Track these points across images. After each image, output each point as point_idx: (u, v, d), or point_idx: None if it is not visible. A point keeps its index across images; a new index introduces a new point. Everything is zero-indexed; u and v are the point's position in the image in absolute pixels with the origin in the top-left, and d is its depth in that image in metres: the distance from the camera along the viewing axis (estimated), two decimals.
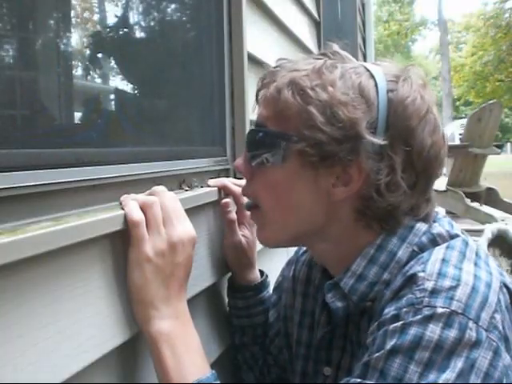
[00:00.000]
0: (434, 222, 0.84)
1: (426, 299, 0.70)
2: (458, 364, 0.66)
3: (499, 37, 22.88)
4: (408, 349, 0.67)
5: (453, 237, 0.81)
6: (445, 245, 0.79)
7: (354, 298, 0.82)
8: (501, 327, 0.70)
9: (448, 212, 5.37)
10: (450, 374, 0.65)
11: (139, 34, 1.13)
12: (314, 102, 0.77)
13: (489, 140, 5.64)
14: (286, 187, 0.82)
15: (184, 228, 0.77)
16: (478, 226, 4.41)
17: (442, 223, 0.84)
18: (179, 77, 1.18)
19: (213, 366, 0.98)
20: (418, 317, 0.68)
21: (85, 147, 0.80)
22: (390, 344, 0.69)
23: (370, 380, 0.69)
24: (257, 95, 0.88)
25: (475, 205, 5.34)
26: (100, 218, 0.67)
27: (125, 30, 1.03)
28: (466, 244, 0.79)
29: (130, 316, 0.74)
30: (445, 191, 5.31)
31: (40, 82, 0.78)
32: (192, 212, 0.90)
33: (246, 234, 1.08)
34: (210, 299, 1.08)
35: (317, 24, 2.68)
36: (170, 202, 0.78)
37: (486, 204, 5.46)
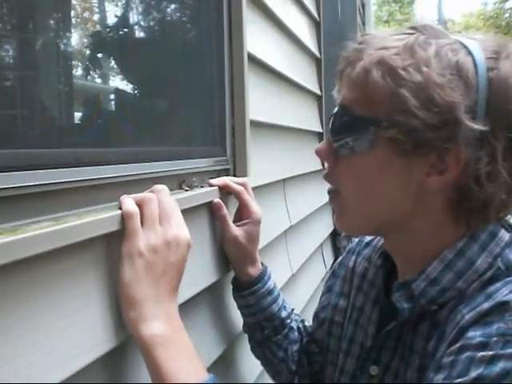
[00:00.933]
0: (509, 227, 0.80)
1: None
2: None
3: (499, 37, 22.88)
4: (493, 380, 0.64)
5: None
6: None
7: (422, 301, 0.78)
8: None
9: None
10: None
11: (139, 34, 1.13)
12: (406, 83, 0.71)
13: None
14: (373, 176, 0.78)
15: (180, 230, 0.76)
16: None
17: None
18: (179, 77, 1.19)
19: (213, 365, 0.99)
20: (509, 350, 0.65)
21: (85, 147, 0.80)
22: (475, 372, 0.65)
23: None
24: (340, 74, 0.80)
25: None
26: (100, 218, 0.67)
27: (125, 29, 1.03)
28: None
29: None
30: None
31: (40, 81, 0.78)
32: (192, 211, 0.90)
33: (247, 229, 1.06)
34: (211, 298, 1.08)
35: (317, 24, 2.68)
36: (168, 201, 0.77)
37: None
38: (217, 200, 1.04)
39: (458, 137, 0.71)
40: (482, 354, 0.66)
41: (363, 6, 6.15)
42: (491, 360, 0.65)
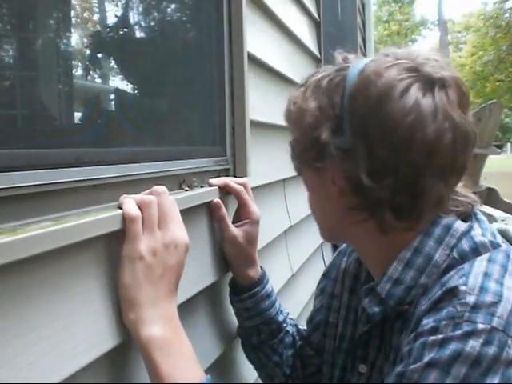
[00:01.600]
0: (474, 222, 0.83)
1: (467, 314, 0.69)
2: (495, 381, 0.66)
3: (499, 37, 22.88)
4: (446, 363, 0.67)
5: (495, 247, 0.79)
6: (486, 256, 0.77)
7: (390, 302, 0.82)
8: None
9: None
10: None
11: (139, 34, 1.13)
12: (291, 117, 0.87)
13: (489, 140, 5.64)
14: (309, 191, 0.93)
15: (179, 232, 0.77)
16: None
17: (485, 229, 0.82)
18: (179, 77, 1.19)
19: (213, 366, 0.99)
20: (458, 332, 0.68)
21: (85, 147, 0.80)
22: (428, 357, 0.68)
23: None
24: None
25: None
26: (100, 218, 0.67)
27: (125, 30, 1.03)
28: (508, 257, 0.78)
29: None
30: None
31: (40, 81, 0.78)
32: (192, 212, 0.90)
33: (246, 229, 1.06)
34: (211, 299, 1.08)
35: (317, 24, 2.68)
36: (168, 204, 0.77)
37: (485, 204, 5.46)
38: (216, 200, 1.04)
39: (327, 153, 0.80)
40: (433, 338, 0.69)
41: (363, 5, 6.15)
42: (442, 343, 0.68)
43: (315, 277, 2.41)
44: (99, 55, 0.95)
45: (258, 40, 1.55)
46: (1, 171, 0.59)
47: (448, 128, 0.75)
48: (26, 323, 0.55)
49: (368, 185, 0.77)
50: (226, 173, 1.28)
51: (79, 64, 0.91)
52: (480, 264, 0.76)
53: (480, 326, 0.68)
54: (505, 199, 5.62)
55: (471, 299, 0.70)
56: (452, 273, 0.76)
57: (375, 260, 0.87)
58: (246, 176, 1.29)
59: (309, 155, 0.84)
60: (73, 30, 0.85)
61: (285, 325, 1.12)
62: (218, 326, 1.10)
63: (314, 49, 2.53)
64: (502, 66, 23.13)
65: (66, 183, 0.70)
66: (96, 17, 0.97)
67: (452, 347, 0.67)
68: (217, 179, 1.08)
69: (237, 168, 1.32)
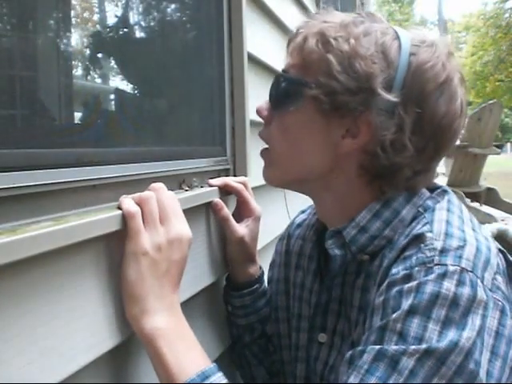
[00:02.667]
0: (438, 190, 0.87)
1: (437, 258, 0.72)
2: (476, 321, 0.67)
3: (499, 37, 22.87)
4: (425, 307, 0.68)
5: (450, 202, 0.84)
6: (445, 206, 0.82)
7: (353, 248, 0.84)
8: (503, 288, 0.73)
9: None
10: (470, 332, 0.67)
11: (139, 34, 1.13)
12: (334, 51, 0.80)
13: (489, 140, 5.65)
14: (297, 132, 0.86)
15: (182, 226, 0.77)
16: None
17: (446, 190, 0.88)
18: (179, 77, 1.19)
19: None
20: (432, 275, 0.70)
21: (85, 147, 0.80)
22: (406, 304, 0.69)
23: (388, 344, 0.69)
24: (288, 44, 0.90)
25: (475, 205, 5.35)
26: (100, 218, 0.67)
27: (124, 29, 1.03)
28: (461, 211, 0.83)
29: (126, 317, 0.73)
30: None
31: (40, 81, 0.78)
32: (192, 212, 0.90)
33: (250, 227, 1.06)
34: (210, 299, 1.08)
35: None
36: (167, 198, 0.78)
37: (485, 204, 5.47)
38: (217, 200, 1.04)
39: (371, 104, 0.79)
40: (408, 285, 0.70)
41: (363, 5, 6.14)
42: (418, 288, 0.70)
43: None
44: (99, 55, 0.95)
45: (258, 40, 1.55)
46: (1, 171, 0.59)
47: (463, 124, 0.85)
48: (25, 323, 0.55)
49: (406, 149, 0.79)
50: (226, 173, 1.28)
51: (79, 64, 0.91)
52: (441, 213, 0.80)
53: (451, 268, 0.70)
54: (505, 199, 5.62)
55: (438, 244, 0.73)
56: (414, 223, 0.80)
57: (342, 214, 0.87)
58: (246, 176, 1.29)
59: (343, 98, 0.79)
60: (73, 30, 0.85)
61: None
62: (217, 326, 1.10)
63: None
64: (502, 65, 23.13)
65: (66, 183, 0.70)
66: (96, 17, 0.97)
67: (428, 291, 0.69)
68: (216, 179, 1.08)
69: (237, 168, 1.32)
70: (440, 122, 0.80)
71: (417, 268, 0.72)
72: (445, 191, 0.87)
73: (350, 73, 0.78)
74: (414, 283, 0.70)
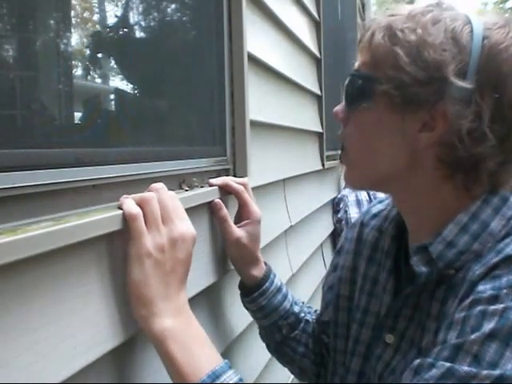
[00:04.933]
0: None
1: None
2: None
3: None
4: (507, 334, 0.66)
5: None
6: None
7: (440, 264, 0.79)
8: None
9: None
10: None
11: (139, 34, 1.13)
12: (400, 42, 0.77)
13: None
14: (372, 130, 0.84)
15: (184, 225, 0.77)
16: None
17: None
18: (179, 77, 1.18)
19: None
20: None
21: (85, 147, 0.80)
22: (488, 327, 0.67)
23: (461, 363, 0.67)
24: (358, 44, 0.88)
25: None
26: (100, 218, 0.67)
27: (124, 29, 1.03)
28: None
29: (128, 317, 0.73)
30: None
31: (40, 81, 0.78)
32: (192, 212, 0.90)
33: (248, 229, 1.06)
34: (211, 299, 1.08)
35: (317, 24, 2.68)
36: (168, 198, 0.77)
37: None
38: (217, 200, 1.04)
39: (444, 93, 0.75)
40: (493, 307, 0.67)
41: (363, 5, 6.14)
42: (503, 312, 0.66)
43: (315, 277, 2.42)
44: (99, 55, 0.95)
45: (258, 40, 1.55)
46: (1, 171, 0.59)
47: None
48: (26, 323, 0.55)
49: (487, 138, 0.75)
50: (226, 173, 1.28)
51: (79, 64, 0.91)
52: None
53: None
54: None
55: None
56: (508, 240, 0.75)
57: (427, 219, 0.84)
58: (246, 176, 1.29)
59: (416, 90, 0.76)
60: (73, 30, 0.85)
61: (303, 314, 1.11)
62: (218, 326, 1.10)
63: (314, 49, 2.53)
64: None
65: (66, 183, 0.70)
66: (96, 17, 0.97)
67: None
68: (216, 179, 1.08)
69: (237, 168, 1.32)
70: None
71: (505, 290, 0.68)
72: None
73: (419, 63, 0.75)
74: (499, 306, 0.67)
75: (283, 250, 1.83)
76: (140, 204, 0.75)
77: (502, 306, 0.67)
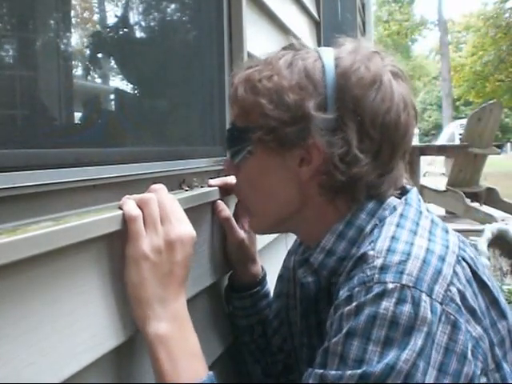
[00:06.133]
0: (405, 195, 0.86)
1: (376, 276, 0.70)
2: (418, 341, 0.66)
3: (499, 37, 22.87)
4: (364, 329, 0.67)
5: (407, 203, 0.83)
6: (395, 221, 0.79)
7: (323, 272, 0.83)
8: (458, 300, 0.70)
9: (448, 212, 5.37)
10: (410, 353, 0.65)
11: (139, 34, 1.13)
12: (261, 92, 0.82)
13: (489, 140, 5.64)
14: (259, 177, 0.88)
15: (183, 226, 0.77)
16: (478, 226, 4.41)
17: (410, 196, 0.85)
18: (179, 77, 1.19)
19: (213, 365, 0.99)
20: (370, 295, 0.69)
21: (85, 147, 0.80)
22: (346, 327, 0.69)
23: (330, 366, 0.69)
24: (229, 100, 0.94)
25: (475, 205, 5.35)
26: (100, 218, 0.67)
27: (124, 29, 1.03)
28: (417, 224, 0.79)
29: (128, 317, 0.74)
30: (445, 191, 5.32)
31: (40, 81, 0.78)
32: (192, 212, 0.90)
33: (247, 230, 1.07)
34: (210, 299, 1.08)
35: (317, 24, 2.68)
36: (167, 200, 0.78)
37: (485, 204, 5.46)
38: (219, 201, 1.04)
39: (310, 129, 0.80)
40: (348, 307, 0.70)
41: (363, 5, 6.14)
42: (356, 310, 0.69)
43: None
44: (99, 55, 0.95)
45: (258, 40, 1.55)
46: (1, 171, 0.59)
47: (413, 115, 0.84)
48: (26, 323, 0.55)
49: (358, 160, 0.79)
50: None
51: (79, 64, 0.91)
52: (388, 229, 0.78)
53: (390, 286, 0.68)
54: (505, 199, 5.61)
55: (379, 261, 0.71)
56: (366, 241, 0.79)
57: (317, 237, 0.86)
58: None
59: (285, 132, 0.81)
60: (73, 30, 0.85)
61: (276, 325, 1.12)
62: (218, 326, 1.10)
63: None
64: (502, 66, 23.10)
65: (66, 183, 0.70)
66: (96, 17, 0.97)
67: (366, 312, 0.68)
68: (216, 179, 1.08)
69: None
70: (383, 121, 0.79)
71: (357, 288, 0.70)
72: (406, 199, 0.84)
73: (281, 107, 0.80)
74: (353, 305, 0.69)
75: (283, 250, 1.83)
76: (140, 205, 0.75)
77: (354, 304, 0.69)
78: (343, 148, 0.79)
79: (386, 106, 0.80)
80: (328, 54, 0.84)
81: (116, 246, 0.72)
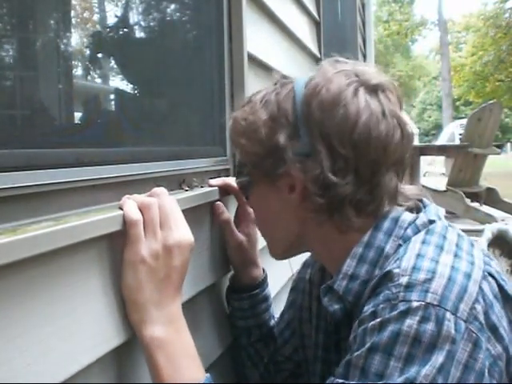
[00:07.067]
0: (422, 210, 0.86)
1: (402, 294, 0.71)
2: (439, 358, 0.66)
3: (499, 37, 22.85)
4: (386, 345, 0.68)
5: (431, 223, 0.82)
6: (420, 239, 0.79)
7: (349, 298, 0.83)
8: (482, 318, 0.70)
9: (448, 212, 5.37)
10: (430, 369, 0.66)
11: (139, 34, 1.13)
12: (241, 132, 0.88)
13: (489, 140, 5.64)
14: (262, 207, 0.94)
15: (181, 232, 0.77)
16: (478, 226, 4.40)
17: (429, 211, 0.85)
18: (179, 77, 1.19)
19: (213, 365, 0.99)
20: (395, 312, 0.69)
21: (85, 147, 0.80)
22: (369, 342, 0.70)
23: (352, 378, 0.70)
24: None
25: (475, 205, 5.34)
26: (99, 218, 0.67)
27: (124, 30, 1.03)
28: (444, 237, 0.80)
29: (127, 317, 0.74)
30: (445, 191, 5.31)
31: (40, 81, 0.78)
32: (192, 212, 0.90)
33: (247, 232, 1.07)
34: (210, 299, 1.08)
35: (317, 24, 2.68)
36: (168, 204, 0.78)
37: (485, 204, 5.45)
38: (218, 203, 1.04)
39: (285, 158, 0.83)
40: (372, 323, 0.71)
41: (363, 5, 6.14)
42: (381, 326, 0.70)
43: None
44: (99, 55, 0.95)
45: (258, 40, 1.55)
46: (1, 171, 0.59)
47: (396, 125, 0.82)
48: (26, 323, 0.55)
49: (333, 182, 0.80)
50: (226, 173, 1.28)
51: (79, 64, 0.91)
52: (413, 246, 0.78)
53: (415, 304, 0.69)
54: (505, 199, 5.60)
55: (404, 279, 0.72)
56: (391, 259, 0.79)
57: (333, 260, 0.88)
58: None
59: (265, 164, 0.85)
60: (73, 30, 0.85)
61: (275, 330, 1.13)
62: (218, 326, 1.10)
63: (314, 49, 2.53)
64: (502, 66, 23.09)
65: (66, 183, 0.70)
66: (96, 17, 0.97)
67: (390, 329, 0.69)
68: (216, 179, 1.08)
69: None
70: (351, 137, 0.79)
71: (382, 305, 0.71)
72: (430, 221, 0.83)
73: (257, 143, 0.85)
74: (377, 321, 0.70)
75: None
76: (141, 209, 0.75)
77: (378, 320, 0.70)
78: (316, 172, 0.80)
79: (350, 124, 0.79)
80: (300, 83, 0.85)
81: (116, 245, 0.72)
